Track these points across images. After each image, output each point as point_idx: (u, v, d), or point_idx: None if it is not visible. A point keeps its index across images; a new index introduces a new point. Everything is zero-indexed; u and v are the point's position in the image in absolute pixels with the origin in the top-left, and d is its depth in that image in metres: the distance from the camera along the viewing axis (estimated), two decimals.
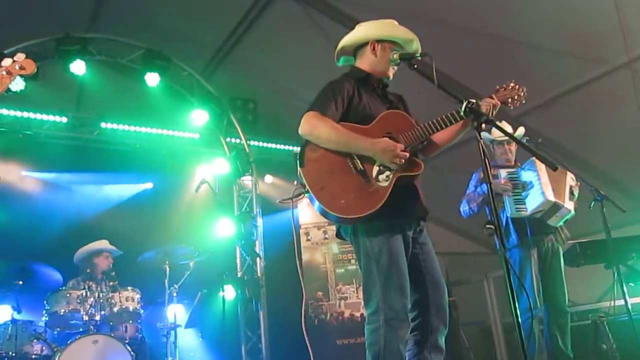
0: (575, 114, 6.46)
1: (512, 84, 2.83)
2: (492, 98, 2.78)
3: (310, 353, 3.35)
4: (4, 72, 2.78)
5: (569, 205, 4.38)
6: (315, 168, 2.61)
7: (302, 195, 2.62)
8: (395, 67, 2.88)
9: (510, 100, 2.81)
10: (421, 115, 2.88)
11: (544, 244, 4.51)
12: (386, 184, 2.58)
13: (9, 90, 5.84)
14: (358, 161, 2.60)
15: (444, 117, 2.66)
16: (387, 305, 2.53)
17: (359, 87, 2.82)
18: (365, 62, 2.91)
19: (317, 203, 2.56)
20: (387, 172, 2.59)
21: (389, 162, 2.57)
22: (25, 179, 6.72)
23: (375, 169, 2.61)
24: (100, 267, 5.58)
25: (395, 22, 2.93)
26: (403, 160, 2.58)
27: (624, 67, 5.76)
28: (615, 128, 6.41)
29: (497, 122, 4.70)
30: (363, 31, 2.92)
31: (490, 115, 2.70)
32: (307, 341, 3.08)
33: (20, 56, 2.83)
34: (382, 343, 2.49)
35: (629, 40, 5.45)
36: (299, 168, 2.60)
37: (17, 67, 2.80)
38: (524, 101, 2.83)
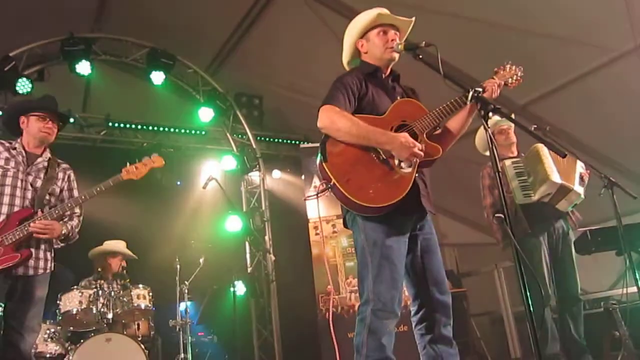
0: (583, 101, 6.40)
1: (508, 66, 2.91)
2: (493, 79, 2.85)
3: (336, 346, 3.35)
4: (141, 165, 3.80)
5: (579, 189, 4.33)
6: (339, 162, 2.61)
7: (327, 190, 2.59)
8: (397, 49, 2.83)
9: (509, 80, 2.88)
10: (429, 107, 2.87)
11: (554, 230, 4.47)
12: (409, 169, 2.61)
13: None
14: (380, 151, 2.62)
15: (452, 101, 2.72)
16: (376, 296, 2.56)
17: (367, 80, 2.85)
18: (367, 57, 2.95)
19: (345, 196, 2.55)
20: None
21: (405, 159, 2.59)
22: None
23: None
24: (112, 268, 5.60)
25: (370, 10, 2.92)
26: (418, 159, 2.60)
27: (632, 53, 5.70)
28: (623, 115, 6.36)
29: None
30: (347, 40, 3.00)
31: (495, 94, 2.77)
32: (333, 338, 3.09)
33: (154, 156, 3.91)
34: (366, 333, 2.53)
35: (636, 26, 5.39)
36: (322, 163, 2.60)
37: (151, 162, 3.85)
38: (521, 81, 2.90)
